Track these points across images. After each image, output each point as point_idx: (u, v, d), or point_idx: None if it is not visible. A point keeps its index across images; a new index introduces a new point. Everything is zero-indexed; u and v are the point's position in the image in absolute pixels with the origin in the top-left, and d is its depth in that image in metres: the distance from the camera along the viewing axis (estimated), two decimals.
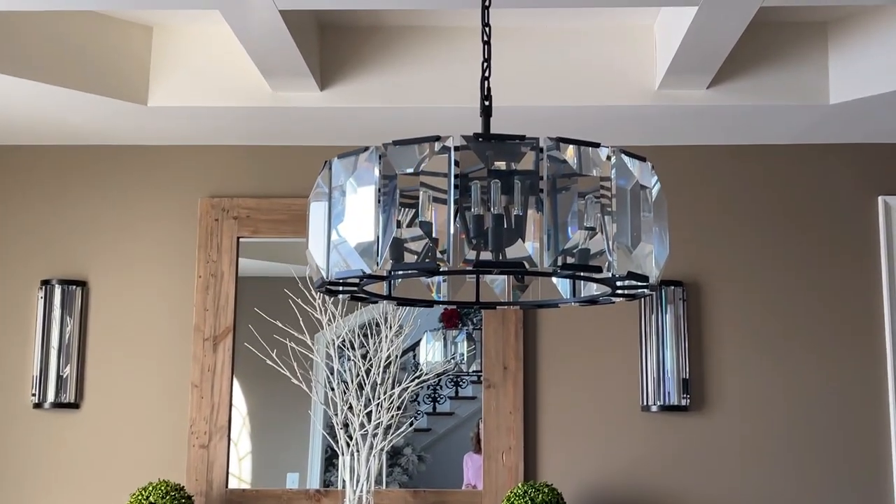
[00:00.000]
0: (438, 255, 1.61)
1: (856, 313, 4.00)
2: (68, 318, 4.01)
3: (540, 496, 3.57)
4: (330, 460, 3.95)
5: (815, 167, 4.09)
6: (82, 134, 4.00)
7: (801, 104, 3.60)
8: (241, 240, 4.06)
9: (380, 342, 3.89)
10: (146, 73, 3.65)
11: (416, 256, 1.62)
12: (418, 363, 4.04)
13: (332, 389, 3.88)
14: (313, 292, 3.93)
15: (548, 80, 3.60)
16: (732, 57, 3.50)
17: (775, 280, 4.02)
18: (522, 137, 1.63)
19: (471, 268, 1.64)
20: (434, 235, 1.62)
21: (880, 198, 4.04)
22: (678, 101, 3.59)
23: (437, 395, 4.01)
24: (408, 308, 3.92)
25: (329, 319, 3.91)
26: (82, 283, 4.06)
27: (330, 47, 3.62)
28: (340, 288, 1.87)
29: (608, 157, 1.68)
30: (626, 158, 1.70)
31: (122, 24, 3.60)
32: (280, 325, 3.95)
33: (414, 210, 1.63)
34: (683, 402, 3.92)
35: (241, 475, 3.94)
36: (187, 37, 3.66)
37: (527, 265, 1.62)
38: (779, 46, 3.59)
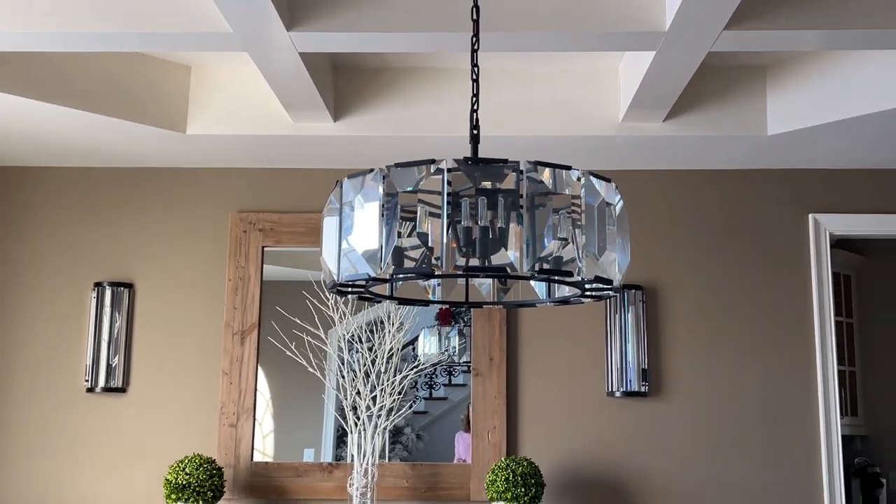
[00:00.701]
0: (433, 261, 1.61)
1: (788, 314, 4.01)
2: (117, 315, 4.00)
3: (520, 468, 3.57)
4: (340, 438, 3.94)
5: (754, 189, 4.09)
6: (130, 158, 4.00)
7: (742, 135, 3.61)
8: (265, 249, 4.05)
9: (383, 337, 3.89)
10: (185, 106, 3.65)
11: (414, 262, 1.63)
12: (417, 355, 4.03)
13: (343, 377, 3.87)
14: (327, 294, 3.94)
15: (528, 114, 3.61)
16: (685, 95, 3.50)
17: (721, 286, 4.03)
18: (505, 161, 1.64)
19: (461, 272, 1.65)
20: (430, 244, 1.62)
21: (810, 215, 4.05)
22: (639, 133, 3.60)
23: (433, 383, 4.01)
24: (407, 307, 3.92)
25: (340, 317, 3.91)
26: (129, 285, 4.05)
27: (342, 85, 3.62)
28: (349, 289, 1.87)
29: (578, 179, 1.69)
30: (593, 180, 1.71)
31: (165, 63, 3.60)
32: (298, 321, 3.95)
33: (413, 223, 1.64)
34: (643, 389, 3.92)
35: (264, 450, 3.93)
36: (220, 75, 3.67)
37: (509, 270, 1.62)
38: (724, 86, 3.60)
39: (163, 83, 3.60)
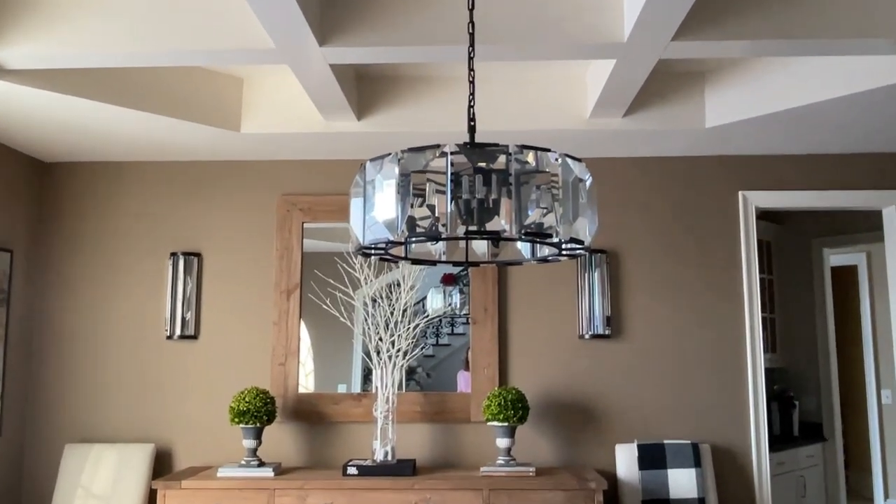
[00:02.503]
0: (440, 227, 1.59)
1: (722, 272, 3.98)
2: (188, 279, 3.99)
3: (510, 395, 3.56)
4: (366, 375, 3.93)
5: (695, 171, 4.05)
6: (196, 152, 3.96)
7: (686, 128, 3.56)
8: (304, 224, 4.03)
9: (400, 294, 3.87)
10: (239, 110, 3.61)
11: (424, 229, 1.60)
12: (426, 309, 4.01)
13: (368, 327, 3.86)
14: (354, 260, 3.92)
15: (513, 112, 3.56)
16: (639, 95, 3.47)
17: (669, 250, 4.00)
18: (497, 145, 1.61)
19: (462, 236, 1.62)
20: (437, 214, 1.59)
21: (740, 192, 4.01)
22: (603, 127, 3.56)
23: (439, 332, 3.99)
24: (418, 271, 3.91)
25: (365, 279, 3.89)
26: (198, 255, 4.03)
27: (364, 90, 3.58)
28: (372, 251, 1.84)
29: (556, 159, 1.65)
30: (568, 160, 1.68)
31: (223, 76, 3.56)
32: (332, 282, 3.93)
33: (422, 197, 1.61)
34: (607, 332, 3.91)
35: (307, 385, 3.93)
36: (266, 85, 3.62)
37: (500, 234, 1.60)
38: (671, 88, 3.55)
39: (221, 92, 3.55)
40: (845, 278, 6.95)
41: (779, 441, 4.78)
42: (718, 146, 3.88)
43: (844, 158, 4.02)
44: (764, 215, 5.40)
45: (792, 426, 5.24)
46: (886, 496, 6.06)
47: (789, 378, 5.58)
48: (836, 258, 6.17)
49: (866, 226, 5.16)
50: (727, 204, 4.02)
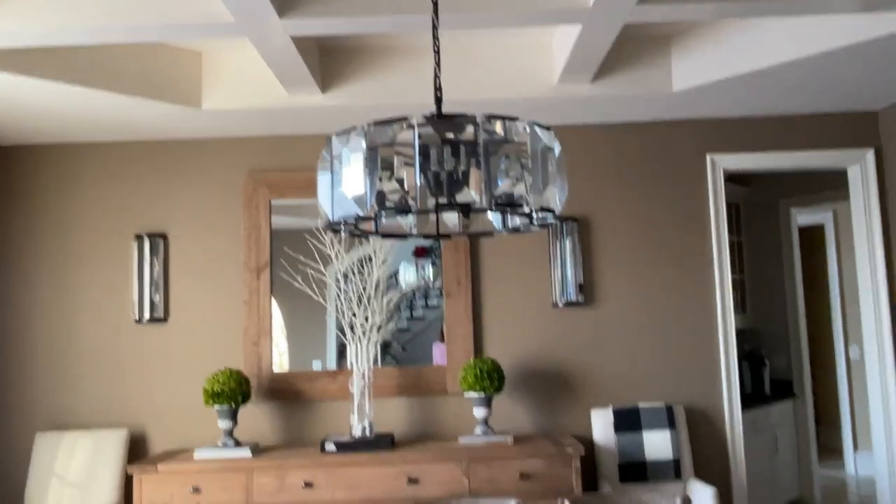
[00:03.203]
0: (409, 201, 1.57)
1: (692, 236, 4.02)
2: (155, 260, 3.94)
3: (485, 366, 3.59)
4: (341, 351, 3.92)
5: (663, 136, 4.07)
6: (157, 131, 3.89)
7: (653, 92, 3.57)
8: (272, 201, 3.98)
9: (371, 269, 3.86)
10: (199, 86, 3.54)
11: (393, 203, 1.59)
12: (399, 282, 4.01)
13: (341, 303, 3.85)
14: (324, 235, 3.89)
15: (481, 82, 3.53)
16: (606, 61, 3.46)
17: (639, 215, 4.03)
18: (464, 115, 1.59)
19: (432, 209, 1.61)
20: (406, 188, 1.57)
21: (707, 155, 4.04)
22: (571, 93, 3.55)
23: (413, 305, 3.99)
24: (389, 244, 3.89)
25: (336, 254, 3.87)
26: (163, 236, 3.98)
27: (327, 63, 3.52)
28: (342, 227, 1.82)
29: (524, 129, 1.65)
30: (537, 129, 1.67)
31: (180, 51, 3.48)
32: (302, 258, 3.91)
33: (391, 170, 1.59)
34: (579, 300, 3.94)
35: (282, 364, 3.91)
36: (227, 59, 3.55)
37: (471, 205, 1.59)
38: (638, 53, 3.55)
39: (179, 67, 3.48)
40: (813, 237, 7.07)
41: (750, 400, 4.89)
42: (686, 109, 3.89)
43: (810, 119, 4.07)
44: (731, 178, 5.46)
45: (763, 385, 5.36)
46: (856, 448, 6.25)
47: (760, 338, 5.69)
48: (802, 218, 6.27)
49: (832, 184, 5.24)
50: (696, 167, 4.05)
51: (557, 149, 1.72)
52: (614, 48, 3.45)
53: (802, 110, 4.00)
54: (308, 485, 3.34)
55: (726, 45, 3.36)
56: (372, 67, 3.52)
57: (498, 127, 1.63)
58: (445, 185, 1.58)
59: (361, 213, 1.60)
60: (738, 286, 5.47)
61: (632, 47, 3.53)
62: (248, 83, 3.53)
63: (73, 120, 3.64)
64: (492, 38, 3.47)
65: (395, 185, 1.59)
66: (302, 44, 3.03)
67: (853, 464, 6.23)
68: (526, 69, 3.52)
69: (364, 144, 1.60)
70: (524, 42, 3.51)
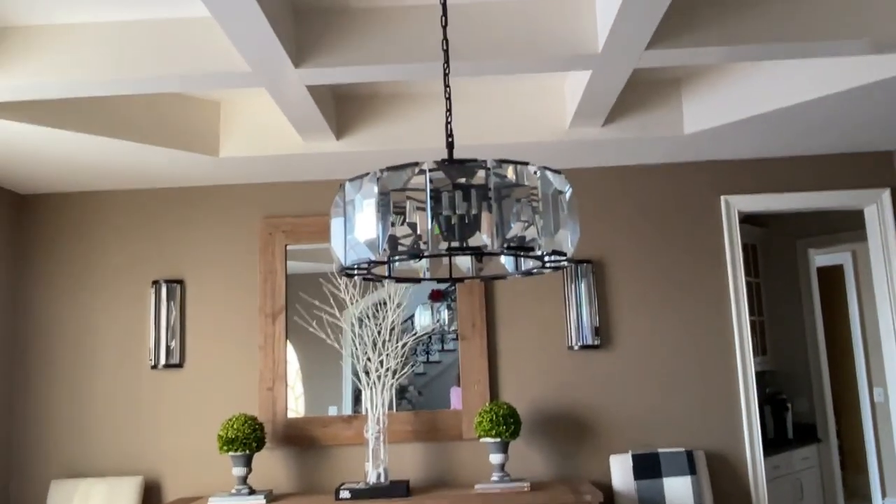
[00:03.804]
0: (422, 245, 1.59)
1: (708, 278, 4.01)
2: (172, 306, 3.97)
3: (501, 410, 3.56)
4: (357, 396, 3.91)
5: (676, 178, 4.09)
6: (175, 179, 3.96)
7: (664, 135, 3.60)
8: (287, 246, 4.02)
9: (386, 313, 3.87)
10: (217, 134, 3.61)
11: (405, 247, 1.60)
12: (414, 326, 4.01)
13: (356, 347, 3.85)
14: (338, 280, 3.91)
15: (492, 127, 3.58)
16: (617, 105, 3.50)
17: (654, 257, 4.03)
18: (475, 160, 1.62)
19: (444, 252, 1.62)
20: (418, 232, 1.59)
21: (721, 197, 4.05)
22: (582, 137, 3.58)
23: (429, 350, 3.98)
24: (404, 288, 3.91)
25: (351, 299, 3.89)
26: (180, 281, 4.02)
27: (342, 110, 3.59)
28: (355, 272, 1.84)
29: (535, 172, 1.67)
30: (547, 173, 1.69)
31: (199, 101, 3.56)
32: (318, 303, 3.93)
33: (403, 215, 1.61)
34: (596, 343, 3.92)
35: (297, 409, 3.90)
36: (244, 108, 3.62)
37: (483, 249, 1.60)
38: (648, 96, 3.59)
39: (199, 117, 3.56)
40: (832, 278, 7.01)
41: (773, 444, 4.80)
42: (698, 152, 3.91)
43: (824, 159, 4.07)
44: (747, 219, 5.45)
45: (786, 429, 5.26)
46: (884, 495, 6.09)
47: (780, 380, 5.61)
48: (821, 258, 6.22)
49: (850, 225, 5.22)
50: (710, 209, 4.05)
51: (569, 192, 1.74)
52: (625, 92, 3.49)
53: (816, 151, 4.01)
54: None
55: (737, 87, 3.40)
56: (385, 114, 3.58)
57: (509, 171, 1.65)
58: (457, 229, 1.60)
59: (374, 258, 1.62)
60: (757, 328, 5.41)
61: (642, 90, 3.57)
62: (264, 131, 3.59)
63: (92, 169, 3.71)
64: (503, 84, 3.53)
65: (407, 229, 1.60)
66: (317, 92, 3.10)
67: None
68: (537, 114, 3.57)
69: (376, 190, 1.62)
70: (535, 87, 3.57)
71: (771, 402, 5.31)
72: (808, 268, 5.48)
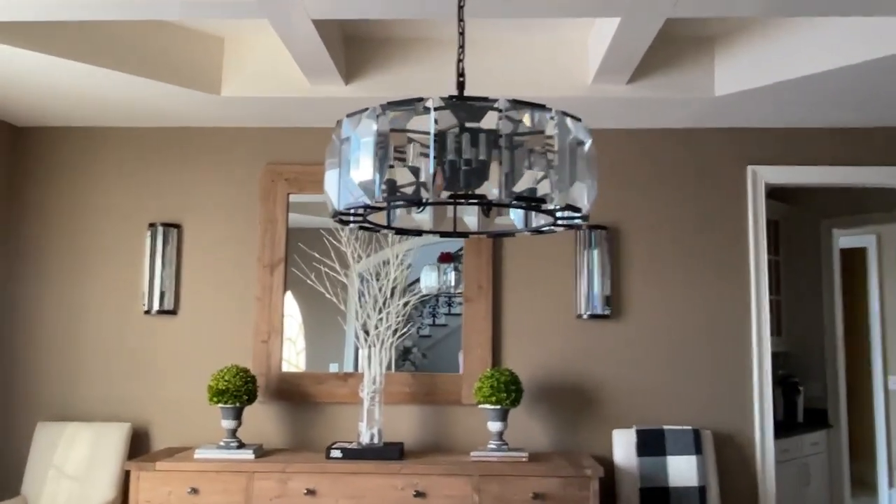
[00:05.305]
0: (423, 191, 1.44)
1: (729, 252, 3.85)
2: (168, 251, 3.86)
3: (503, 377, 3.45)
4: (359, 355, 3.81)
5: (702, 144, 3.91)
6: (175, 118, 3.81)
7: (693, 96, 3.40)
8: (290, 196, 3.89)
9: (389, 271, 3.75)
10: (219, 72, 3.45)
11: (405, 193, 1.46)
12: (420, 288, 3.89)
13: (360, 306, 3.74)
14: (339, 233, 3.78)
15: (510, 79, 3.40)
16: (644, 62, 3.32)
17: (673, 227, 3.87)
18: (486, 99, 1.46)
19: (447, 200, 1.47)
20: (420, 177, 1.45)
21: (749, 167, 3.86)
22: (605, 94, 3.39)
23: (435, 312, 3.87)
24: (412, 248, 3.78)
25: (352, 253, 3.77)
26: (178, 226, 3.89)
27: (352, 53, 3.42)
28: (350, 217, 1.70)
29: (552, 118, 1.51)
30: (567, 120, 1.53)
31: (202, 35, 3.40)
32: (317, 255, 3.81)
33: (404, 156, 1.47)
34: (606, 312, 3.78)
35: (297, 364, 3.80)
36: (249, 45, 3.45)
37: (489, 199, 1.45)
38: (678, 54, 3.39)
39: (201, 52, 3.39)
40: (854, 260, 6.83)
41: (782, 427, 4.68)
42: (727, 117, 3.72)
43: (861, 132, 3.87)
44: (771, 193, 5.26)
45: (796, 412, 5.14)
46: (891, 485, 5.99)
47: (794, 363, 5.47)
48: (845, 240, 6.03)
49: (878, 205, 5.02)
50: (735, 179, 3.87)
51: (589, 143, 1.58)
52: (653, 48, 3.29)
53: (851, 123, 3.81)
54: (310, 492, 3.22)
55: (774, 47, 3.19)
56: (398, 59, 3.41)
57: (524, 116, 1.49)
58: (462, 176, 1.45)
59: (370, 202, 1.47)
60: (774, 307, 5.26)
61: (672, 49, 3.38)
62: (269, 71, 3.43)
63: (88, 102, 3.57)
64: (524, 34, 3.34)
65: (407, 172, 1.46)
66: (325, 31, 2.93)
67: (887, 500, 5.97)
68: (558, 67, 3.38)
69: (375, 128, 1.48)
70: (557, 38, 3.37)
71: (783, 384, 5.18)
72: (831, 249, 5.30)
